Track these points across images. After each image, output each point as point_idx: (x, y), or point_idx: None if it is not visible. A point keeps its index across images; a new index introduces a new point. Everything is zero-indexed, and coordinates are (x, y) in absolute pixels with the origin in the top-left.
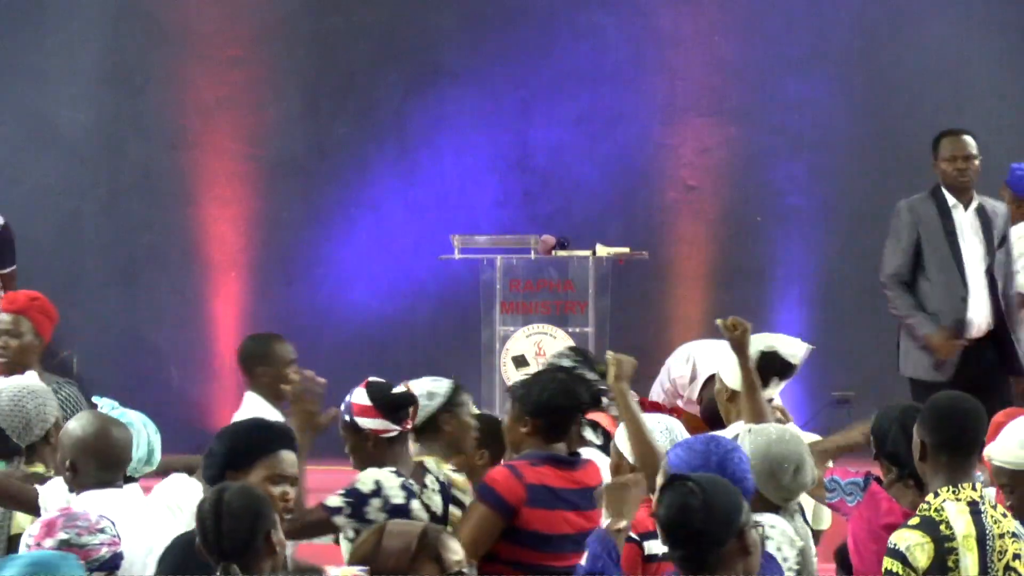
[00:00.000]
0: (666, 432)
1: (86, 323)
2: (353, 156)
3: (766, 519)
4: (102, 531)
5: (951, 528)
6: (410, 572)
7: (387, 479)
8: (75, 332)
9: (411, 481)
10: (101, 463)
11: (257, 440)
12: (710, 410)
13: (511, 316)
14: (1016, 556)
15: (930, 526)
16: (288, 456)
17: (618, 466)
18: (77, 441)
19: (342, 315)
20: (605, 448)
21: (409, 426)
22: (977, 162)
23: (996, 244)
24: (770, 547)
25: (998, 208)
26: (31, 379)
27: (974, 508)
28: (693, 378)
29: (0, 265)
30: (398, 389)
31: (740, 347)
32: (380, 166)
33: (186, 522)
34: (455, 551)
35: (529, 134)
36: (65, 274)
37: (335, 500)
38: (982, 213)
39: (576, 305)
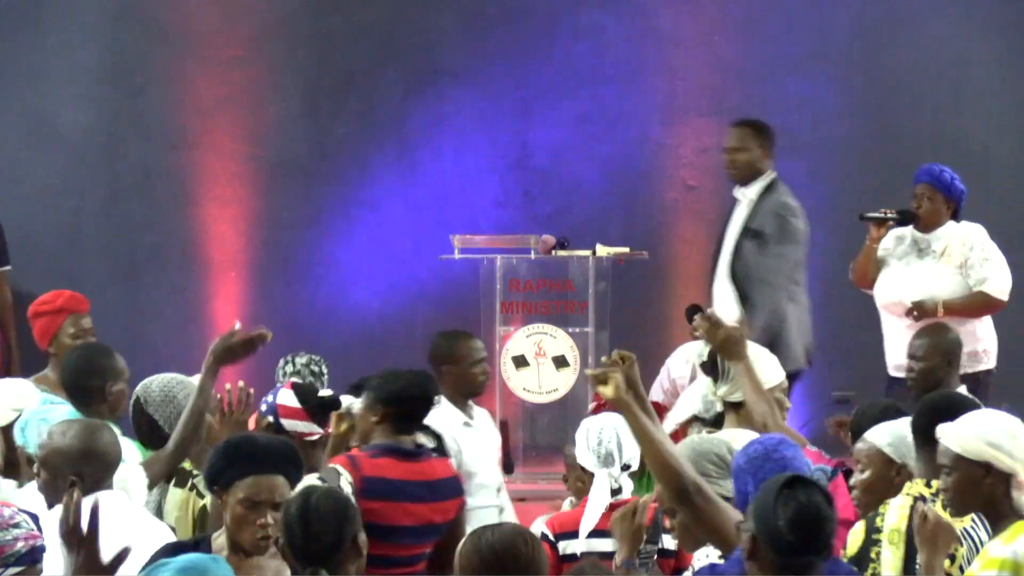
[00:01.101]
0: (600, 432)
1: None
2: (353, 156)
3: None
4: (16, 526)
5: (883, 521)
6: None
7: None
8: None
9: (337, 488)
10: (100, 468)
11: (242, 459)
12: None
13: (511, 316)
14: (950, 557)
15: (872, 516)
16: (269, 481)
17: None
18: (74, 452)
19: (342, 315)
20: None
21: (331, 429)
22: (739, 155)
23: (749, 235)
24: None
25: (766, 204)
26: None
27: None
28: (693, 378)
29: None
30: (324, 392)
31: (630, 381)
32: (380, 166)
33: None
34: None
35: (529, 134)
36: (65, 274)
37: None
38: (755, 205)
39: (576, 305)
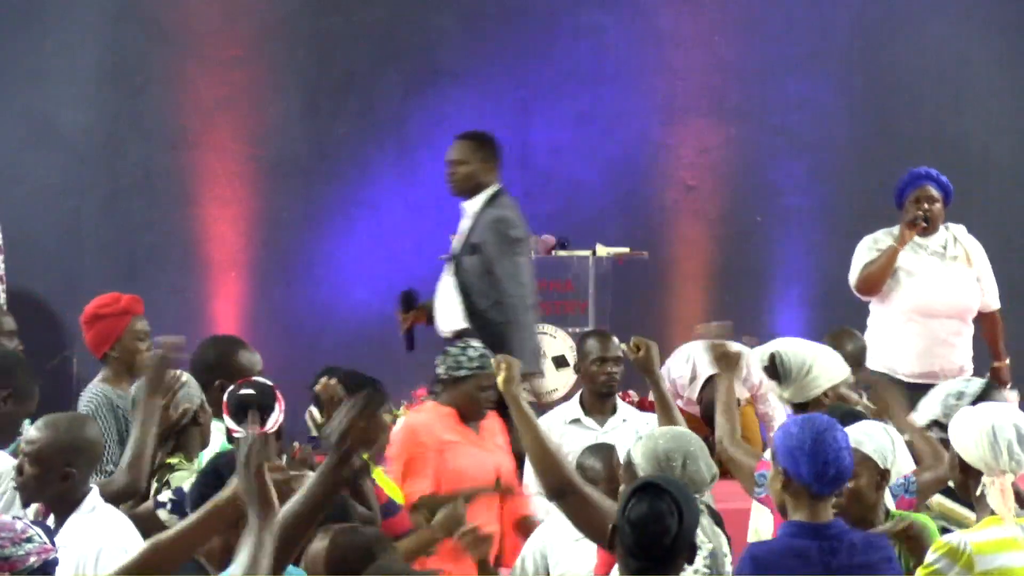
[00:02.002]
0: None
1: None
2: (353, 156)
3: None
4: (29, 540)
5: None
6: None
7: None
8: (75, 333)
9: None
10: (89, 462)
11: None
12: (710, 410)
13: None
14: None
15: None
16: None
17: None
18: (70, 448)
19: (342, 315)
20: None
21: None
22: (460, 168)
23: (468, 250)
24: None
25: (484, 217)
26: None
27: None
28: (693, 378)
29: None
30: (244, 391)
31: (646, 367)
32: (380, 166)
33: None
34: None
35: (529, 134)
36: (65, 274)
37: (165, 495)
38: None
39: (576, 305)
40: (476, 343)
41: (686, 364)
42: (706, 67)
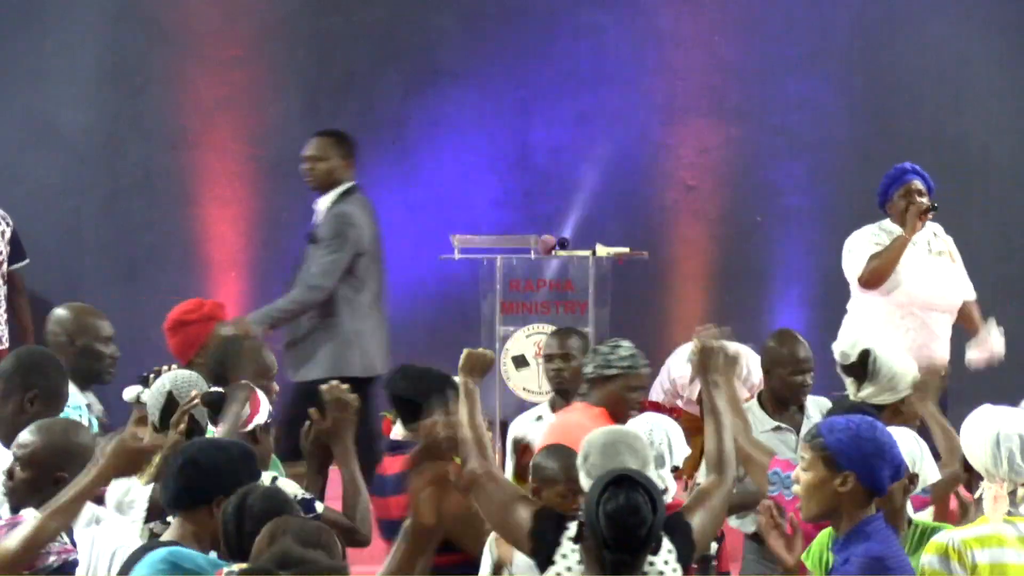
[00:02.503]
0: (651, 433)
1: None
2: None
3: None
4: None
5: None
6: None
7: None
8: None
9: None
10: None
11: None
12: None
13: (511, 316)
14: None
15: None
16: None
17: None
18: (62, 453)
19: None
20: None
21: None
22: (319, 164)
23: (311, 240)
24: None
25: (331, 211)
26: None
27: None
28: (693, 378)
29: (19, 258)
30: (214, 389)
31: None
32: (380, 166)
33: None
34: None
35: (529, 134)
36: (65, 274)
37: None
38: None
39: (576, 305)
40: (625, 342)
41: (686, 364)
42: (706, 67)
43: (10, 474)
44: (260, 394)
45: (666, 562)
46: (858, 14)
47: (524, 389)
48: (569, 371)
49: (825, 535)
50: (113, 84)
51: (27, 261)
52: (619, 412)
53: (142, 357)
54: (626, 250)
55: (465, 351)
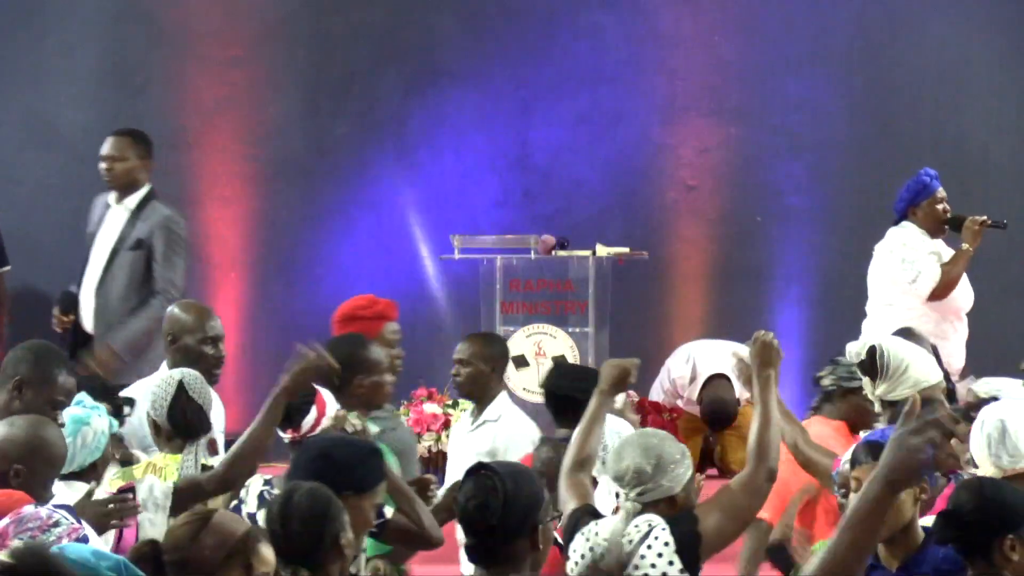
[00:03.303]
0: (618, 436)
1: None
2: (353, 156)
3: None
4: (56, 524)
5: None
6: (218, 570)
7: (253, 486)
8: (74, 332)
9: (274, 490)
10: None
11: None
12: (710, 410)
13: (511, 316)
14: None
15: None
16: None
17: None
18: (22, 445)
19: None
20: None
21: (288, 435)
22: (117, 164)
23: (133, 246)
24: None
25: (151, 216)
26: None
27: None
28: (693, 378)
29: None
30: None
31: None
32: (380, 166)
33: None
34: (266, 561)
35: (529, 134)
36: (65, 274)
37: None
38: (136, 213)
39: (576, 305)
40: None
41: (686, 364)
42: (706, 67)
43: None
44: (326, 394)
45: (660, 554)
46: (858, 14)
47: (524, 389)
48: (464, 376)
49: None
50: (113, 84)
51: (8, 268)
52: (861, 424)
53: (141, 356)
54: (626, 250)
55: (614, 365)
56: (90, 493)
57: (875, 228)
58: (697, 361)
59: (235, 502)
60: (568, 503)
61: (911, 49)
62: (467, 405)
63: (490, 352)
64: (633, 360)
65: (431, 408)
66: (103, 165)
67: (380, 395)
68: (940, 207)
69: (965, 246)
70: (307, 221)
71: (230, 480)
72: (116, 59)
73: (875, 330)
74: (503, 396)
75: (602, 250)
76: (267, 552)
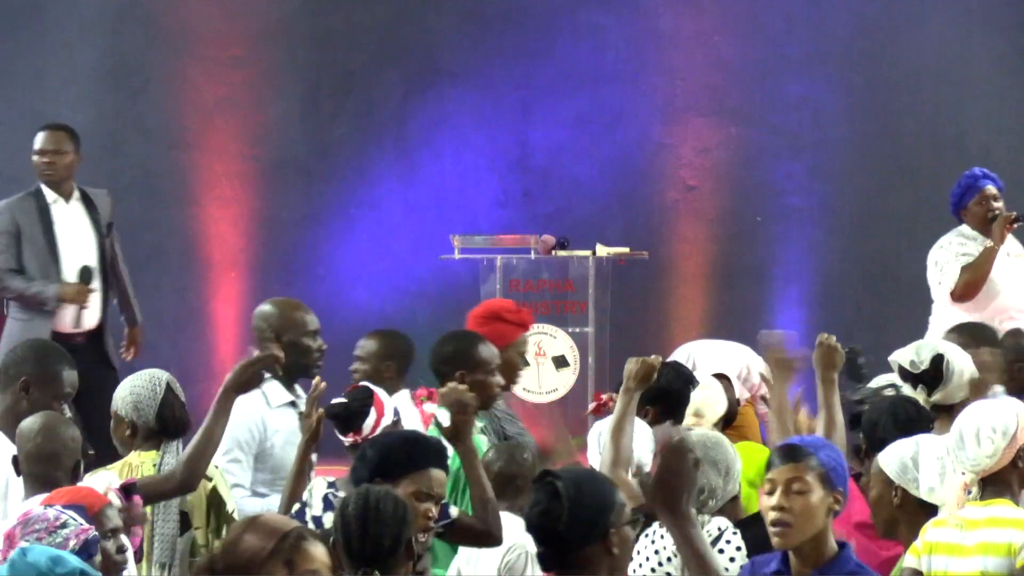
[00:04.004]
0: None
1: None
2: (353, 156)
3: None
4: (64, 525)
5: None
6: (261, 571)
7: (316, 489)
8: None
9: (339, 493)
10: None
11: (411, 454)
12: None
13: None
14: None
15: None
16: (438, 475)
17: None
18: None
19: (342, 315)
20: None
21: (350, 439)
22: (61, 158)
23: (107, 231)
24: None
25: (100, 197)
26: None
27: None
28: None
29: None
30: (336, 401)
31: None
32: (380, 166)
33: None
34: (312, 559)
35: (529, 134)
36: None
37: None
38: (87, 203)
39: (576, 305)
40: None
41: (686, 364)
42: (706, 67)
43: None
44: (381, 393)
45: (732, 559)
46: (858, 14)
47: (524, 389)
48: (361, 373)
49: None
50: (113, 84)
51: None
52: None
53: (141, 356)
54: (626, 250)
55: (636, 362)
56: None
57: (875, 228)
58: (697, 361)
59: (298, 505)
60: None
61: (911, 49)
62: (442, 412)
63: (389, 350)
64: (656, 356)
65: (431, 408)
66: (44, 159)
67: (482, 395)
68: (986, 205)
69: (989, 244)
70: (307, 221)
71: (190, 480)
72: (116, 59)
73: (933, 334)
74: (402, 395)
75: (602, 250)
76: (315, 550)
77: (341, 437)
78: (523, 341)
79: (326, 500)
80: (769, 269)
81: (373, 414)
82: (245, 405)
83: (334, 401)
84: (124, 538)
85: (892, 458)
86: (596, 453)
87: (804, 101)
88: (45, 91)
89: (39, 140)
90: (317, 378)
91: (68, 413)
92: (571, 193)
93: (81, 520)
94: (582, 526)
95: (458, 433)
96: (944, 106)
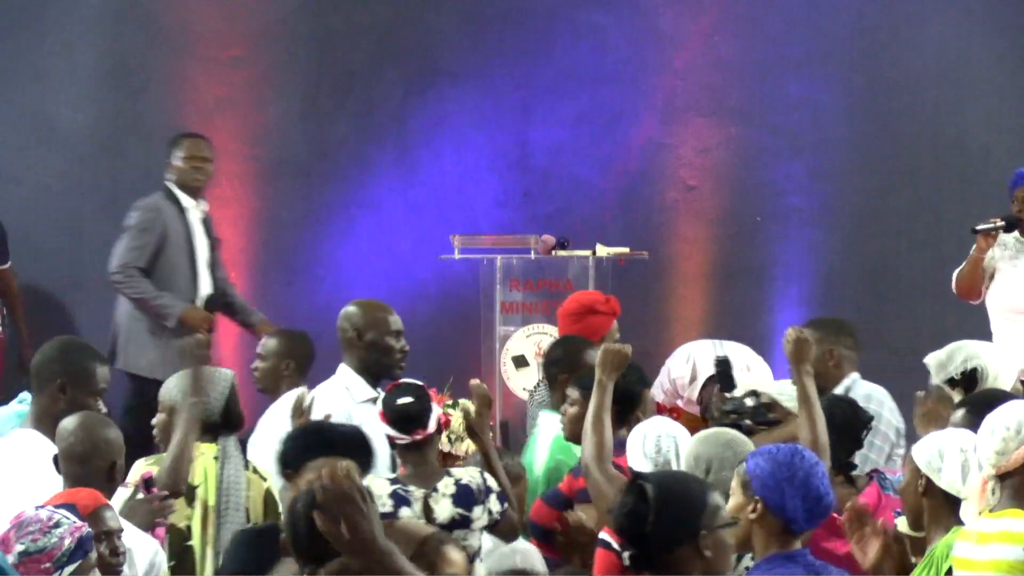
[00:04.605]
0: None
1: (86, 323)
2: (353, 156)
3: None
4: (57, 525)
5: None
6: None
7: (378, 487)
8: (75, 333)
9: (408, 488)
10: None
11: (307, 444)
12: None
13: (511, 316)
14: None
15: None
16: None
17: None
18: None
19: None
20: None
21: (419, 436)
22: (209, 167)
23: (216, 246)
24: None
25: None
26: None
27: None
28: (693, 378)
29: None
30: (402, 400)
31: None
32: (380, 166)
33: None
34: (453, 563)
35: (529, 134)
36: (65, 274)
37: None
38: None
39: None
40: None
41: (686, 364)
42: (706, 67)
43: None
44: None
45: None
46: (858, 14)
47: (524, 389)
48: (260, 371)
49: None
50: (113, 84)
51: (9, 264)
52: None
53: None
54: (626, 250)
55: (605, 347)
56: (133, 495)
57: (875, 228)
58: (697, 361)
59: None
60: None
61: (911, 49)
62: (469, 404)
63: (290, 349)
64: (625, 345)
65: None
66: (195, 165)
67: None
68: (1017, 206)
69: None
70: (307, 221)
71: (177, 483)
72: (116, 59)
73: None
74: (300, 391)
75: (602, 250)
76: (454, 555)
77: (401, 436)
78: (615, 329)
79: (396, 496)
80: (769, 269)
81: (435, 408)
82: (332, 400)
83: (400, 402)
84: (121, 541)
85: (923, 447)
86: (641, 456)
87: (804, 101)
88: (45, 91)
89: (192, 147)
90: (303, 389)
91: (103, 409)
92: (571, 193)
93: (74, 518)
94: (669, 528)
95: (476, 429)
96: (944, 106)
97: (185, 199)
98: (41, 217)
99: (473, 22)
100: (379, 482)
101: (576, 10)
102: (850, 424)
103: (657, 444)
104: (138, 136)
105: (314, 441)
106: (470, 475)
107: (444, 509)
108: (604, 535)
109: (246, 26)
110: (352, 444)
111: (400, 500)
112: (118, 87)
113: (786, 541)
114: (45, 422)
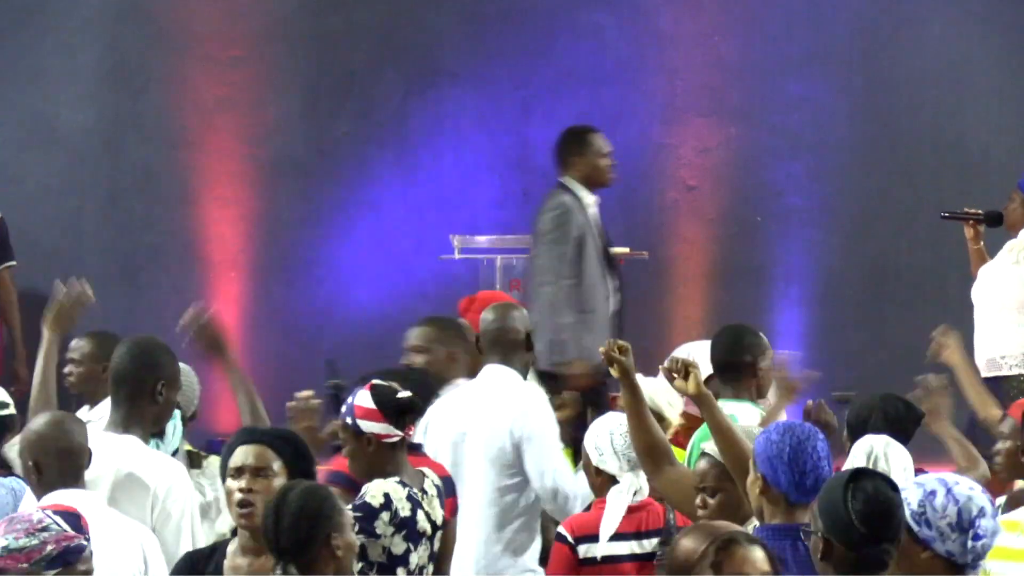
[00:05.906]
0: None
1: (86, 323)
2: (353, 156)
3: None
4: (45, 529)
5: None
6: (694, 572)
7: (395, 491)
8: (75, 332)
9: (416, 490)
10: (63, 463)
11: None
12: None
13: None
14: None
15: None
16: (243, 450)
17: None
18: (38, 440)
19: (342, 315)
20: None
21: (412, 432)
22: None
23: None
24: None
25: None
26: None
27: None
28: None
29: (2, 259)
30: (403, 393)
31: (626, 370)
32: (380, 166)
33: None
34: (742, 563)
35: (529, 134)
36: (65, 274)
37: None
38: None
39: None
40: None
41: None
42: (706, 67)
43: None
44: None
45: None
46: (858, 14)
47: None
48: (75, 376)
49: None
50: (113, 84)
51: (14, 263)
52: None
53: None
54: (626, 250)
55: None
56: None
57: (875, 228)
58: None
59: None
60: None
61: (911, 49)
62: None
63: (105, 351)
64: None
65: None
66: (612, 162)
67: (767, 384)
68: (1013, 203)
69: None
70: (307, 221)
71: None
72: (116, 59)
73: None
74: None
75: None
76: (746, 554)
77: (397, 431)
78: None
79: (411, 499)
80: (769, 269)
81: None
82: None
83: (401, 395)
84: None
85: None
86: (610, 453)
87: (804, 101)
88: (45, 91)
89: (606, 142)
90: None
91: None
92: None
93: (66, 527)
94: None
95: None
96: (944, 106)
97: (586, 195)
98: (41, 217)
99: (473, 22)
100: (392, 485)
101: (576, 10)
102: (902, 419)
103: (626, 440)
104: (138, 136)
105: (240, 435)
106: (427, 471)
107: (437, 511)
108: (561, 528)
109: (246, 26)
110: (280, 438)
111: (416, 504)
112: (118, 87)
113: (790, 513)
114: (142, 427)
